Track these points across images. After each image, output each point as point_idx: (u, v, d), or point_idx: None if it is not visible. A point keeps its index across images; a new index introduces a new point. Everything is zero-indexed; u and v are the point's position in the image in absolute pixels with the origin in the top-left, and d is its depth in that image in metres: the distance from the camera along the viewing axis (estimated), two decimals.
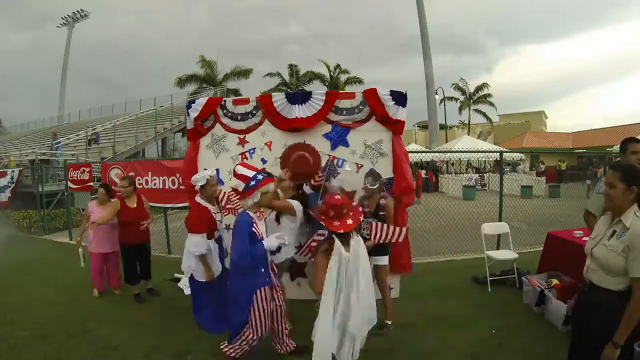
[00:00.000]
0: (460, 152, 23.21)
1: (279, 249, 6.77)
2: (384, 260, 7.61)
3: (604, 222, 4.57)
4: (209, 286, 7.55)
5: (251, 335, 6.14)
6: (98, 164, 17.77)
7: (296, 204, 7.26)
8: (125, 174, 14.02)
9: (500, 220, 11.94)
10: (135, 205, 9.52)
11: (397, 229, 6.96)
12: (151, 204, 13.19)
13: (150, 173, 13.69)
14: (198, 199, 7.67)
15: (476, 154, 31.56)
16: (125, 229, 9.46)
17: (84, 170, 17.05)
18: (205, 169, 7.92)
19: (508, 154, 25.54)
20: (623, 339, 4.03)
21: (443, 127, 59.03)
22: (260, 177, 6.30)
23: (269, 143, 8.67)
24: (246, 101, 8.84)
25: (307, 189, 8.31)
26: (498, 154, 14.50)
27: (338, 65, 54.47)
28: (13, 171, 22.76)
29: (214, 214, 7.61)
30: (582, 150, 41.31)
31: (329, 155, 8.46)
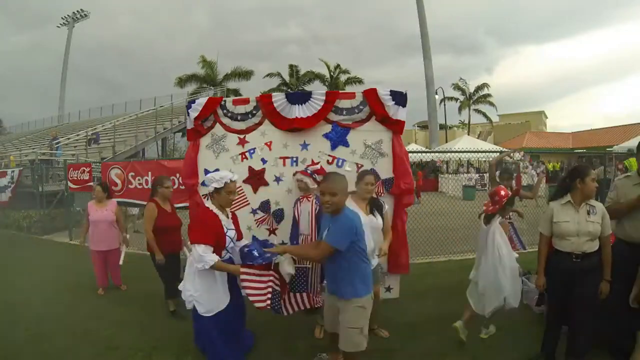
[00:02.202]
0: (461, 152, 23.14)
1: None
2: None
3: (565, 211, 6.00)
4: (217, 317, 6.16)
5: None
6: (98, 164, 17.77)
7: None
8: (126, 175, 14.23)
9: None
10: (170, 210, 9.09)
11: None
12: None
13: (150, 173, 13.70)
14: (207, 203, 6.53)
15: (476, 154, 31.52)
16: (161, 236, 8.74)
17: (84, 170, 17.13)
18: (231, 171, 6.78)
19: None
20: (609, 274, 5.89)
21: (443, 127, 59.26)
22: None
23: (269, 143, 8.65)
24: (246, 101, 8.84)
25: None
26: (498, 154, 14.52)
27: (338, 65, 54.85)
28: (13, 171, 22.83)
29: (224, 227, 6.28)
30: (582, 150, 41.28)
31: (329, 156, 8.53)
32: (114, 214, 10.28)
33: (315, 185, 7.67)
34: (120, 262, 9.39)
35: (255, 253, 6.03)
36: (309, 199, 7.75)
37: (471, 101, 62.02)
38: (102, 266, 10.31)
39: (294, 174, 8.03)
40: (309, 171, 7.82)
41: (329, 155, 8.45)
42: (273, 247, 6.11)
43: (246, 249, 6.12)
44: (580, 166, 6.21)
